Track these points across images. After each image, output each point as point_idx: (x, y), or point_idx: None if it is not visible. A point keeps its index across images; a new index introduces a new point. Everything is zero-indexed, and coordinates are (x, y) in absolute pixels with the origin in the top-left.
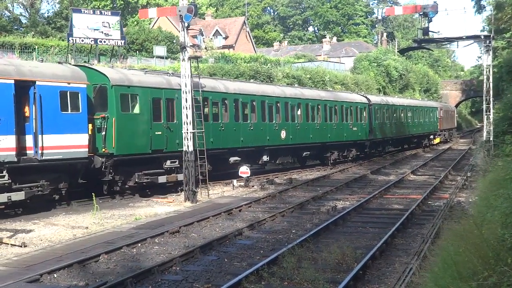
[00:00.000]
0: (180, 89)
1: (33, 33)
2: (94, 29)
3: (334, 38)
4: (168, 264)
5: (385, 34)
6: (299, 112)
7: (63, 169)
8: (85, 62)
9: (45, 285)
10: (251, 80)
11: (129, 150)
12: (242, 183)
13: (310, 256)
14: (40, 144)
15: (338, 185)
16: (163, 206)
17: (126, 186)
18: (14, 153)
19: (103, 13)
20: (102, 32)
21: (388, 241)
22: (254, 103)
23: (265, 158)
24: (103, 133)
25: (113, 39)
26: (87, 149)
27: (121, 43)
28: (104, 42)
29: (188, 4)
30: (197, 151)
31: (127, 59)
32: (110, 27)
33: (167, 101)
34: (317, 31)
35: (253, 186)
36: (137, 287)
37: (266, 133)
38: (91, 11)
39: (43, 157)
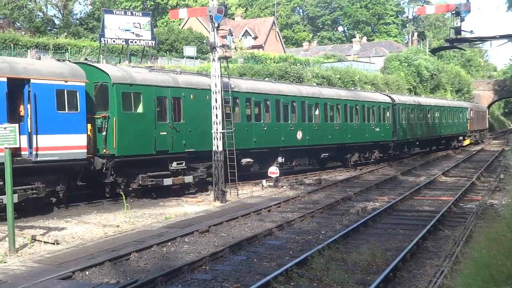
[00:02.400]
0: (187, 88)
1: (66, 34)
2: (125, 30)
3: (364, 38)
4: (198, 263)
5: (416, 34)
6: (317, 112)
7: (60, 171)
8: (116, 62)
9: (77, 282)
10: (266, 79)
11: (131, 151)
12: (271, 183)
13: (339, 257)
14: (34, 145)
15: (368, 186)
16: (193, 206)
17: (130, 188)
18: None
19: (134, 14)
20: (133, 32)
21: (419, 243)
22: (268, 102)
23: (280, 159)
24: (104, 133)
25: (143, 40)
26: (85, 150)
27: (152, 43)
28: (135, 42)
29: (218, 5)
30: (227, 151)
31: (158, 59)
32: (141, 28)
33: (173, 100)
34: (346, 31)
35: (282, 187)
36: (167, 285)
37: (280, 133)
38: (122, 12)
39: (38, 158)
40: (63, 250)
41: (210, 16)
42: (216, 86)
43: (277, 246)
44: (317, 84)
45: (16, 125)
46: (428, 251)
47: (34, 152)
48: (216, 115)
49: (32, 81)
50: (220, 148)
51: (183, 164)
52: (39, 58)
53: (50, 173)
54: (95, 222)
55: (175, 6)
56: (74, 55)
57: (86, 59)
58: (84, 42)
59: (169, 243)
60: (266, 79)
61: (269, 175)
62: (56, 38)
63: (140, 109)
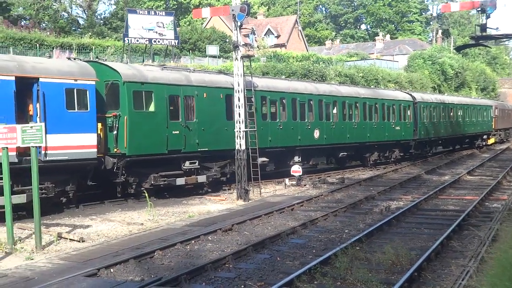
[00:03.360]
0: (200, 86)
1: (90, 33)
2: (149, 29)
3: (388, 36)
4: (221, 262)
5: (440, 31)
6: (334, 111)
7: (70, 171)
8: (140, 62)
9: (103, 279)
10: (283, 77)
11: (142, 150)
12: (294, 182)
13: (363, 257)
14: (43, 144)
15: (392, 185)
16: (216, 204)
17: (142, 188)
18: (14, 153)
19: (157, 14)
20: (156, 32)
21: (444, 242)
22: (283, 100)
23: (296, 159)
24: (115, 132)
25: (167, 39)
26: (95, 150)
27: (175, 42)
28: (158, 42)
29: (241, 4)
30: (250, 149)
31: (181, 58)
32: (164, 27)
33: (186, 98)
34: (369, 29)
35: (305, 185)
36: (191, 283)
37: (297, 132)
38: (146, 11)
39: (47, 158)
40: (88, 248)
41: (233, 15)
42: (239, 85)
43: (301, 245)
44: (339, 82)
45: (43, 124)
46: (453, 250)
47: (43, 152)
48: (239, 113)
49: (41, 79)
50: (243, 147)
51: (196, 164)
52: (49, 57)
53: (60, 173)
54: (120, 220)
55: (198, 5)
56: (98, 54)
57: (97, 57)
58: (108, 42)
59: (193, 241)
60: (283, 77)
61: (292, 173)
62: (81, 38)
63: (151, 108)
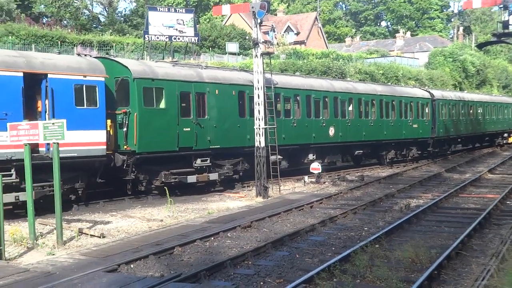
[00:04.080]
0: (212, 83)
1: (110, 31)
2: (169, 27)
3: (408, 33)
4: (241, 258)
5: (461, 28)
6: (350, 108)
7: (79, 168)
8: (160, 59)
9: (123, 275)
10: (297, 73)
11: (152, 147)
12: (313, 179)
13: (382, 254)
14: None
15: (412, 183)
16: (235, 201)
17: (152, 186)
18: (22, 150)
19: (177, 11)
20: (176, 29)
21: (464, 241)
22: (298, 97)
23: (311, 156)
24: (125, 129)
25: (187, 36)
26: (104, 146)
27: (195, 40)
28: (178, 39)
29: (260, 1)
30: (269, 146)
31: (200, 55)
32: (184, 24)
33: (197, 95)
34: (390, 26)
35: (324, 183)
36: (210, 280)
37: (311, 130)
38: (166, 9)
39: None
40: (108, 243)
41: (253, 12)
42: (258, 82)
43: (320, 242)
44: (359, 80)
45: (64, 120)
46: (473, 249)
47: (51, 149)
48: (259, 110)
49: (49, 76)
50: (263, 144)
51: (208, 161)
52: (59, 53)
53: (69, 170)
54: (140, 216)
55: (218, 3)
56: (119, 51)
57: (107, 53)
58: (128, 39)
59: (212, 238)
60: (297, 73)
61: (311, 171)
62: (101, 35)
63: (162, 105)
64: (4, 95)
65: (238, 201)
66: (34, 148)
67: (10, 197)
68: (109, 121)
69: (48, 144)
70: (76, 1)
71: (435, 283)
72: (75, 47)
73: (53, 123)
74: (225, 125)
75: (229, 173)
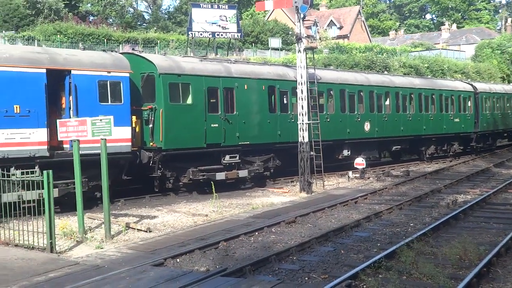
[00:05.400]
0: (241, 78)
1: (155, 28)
2: (212, 23)
3: (454, 25)
4: (285, 253)
5: (509, 19)
6: (387, 102)
7: None
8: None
9: (169, 268)
10: (331, 67)
11: (179, 144)
12: (358, 175)
13: (429, 251)
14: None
15: (459, 178)
16: (279, 196)
17: (180, 183)
18: (45, 147)
19: (220, 7)
20: (219, 25)
21: None
22: (331, 92)
23: (345, 152)
24: (151, 125)
25: (230, 32)
26: (130, 143)
27: (238, 35)
28: (221, 35)
29: None
30: (312, 142)
31: (243, 51)
32: (227, 21)
33: (225, 90)
34: (434, 18)
35: (368, 178)
36: (255, 274)
37: (346, 125)
38: (209, 5)
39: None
40: (155, 238)
41: (296, 7)
42: (301, 77)
43: (365, 238)
44: (404, 74)
45: (112, 117)
46: None
47: None
48: (302, 106)
49: (73, 72)
50: (306, 139)
51: (237, 158)
52: (84, 49)
53: (93, 167)
54: (185, 211)
55: None
56: (163, 48)
57: (133, 49)
58: (172, 36)
59: (256, 233)
60: (331, 67)
61: (355, 166)
62: (146, 32)
63: (189, 100)
64: (27, 92)
65: (282, 196)
66: (59, 145)
67: (33, 194)
68: (134, 118)
69: (71, 141)
70: (121, 0)
71: (484, 281)
72: (120, 45)
73: (100, 120)
74: (254, 121)
75: (259, 170)
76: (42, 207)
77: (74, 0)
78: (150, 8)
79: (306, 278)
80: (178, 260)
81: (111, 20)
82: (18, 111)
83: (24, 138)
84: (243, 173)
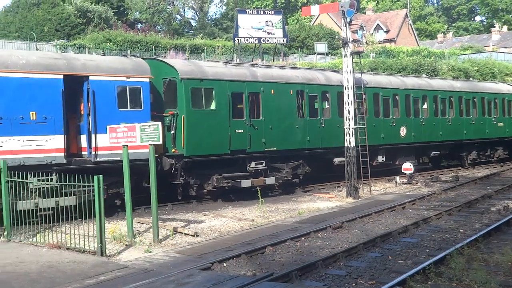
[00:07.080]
0: (267, 82)
1: (202, 35)
2: (258, 29)
3: (504, 27)
4: (332, 259)
5: None
6: (424, 106)
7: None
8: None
9: (216, 273)
10: (364, 71)
11: (202, 150)
12: (405, 180)
13: (480, 258)
14: (93, 145)
15: (510, 183)
16: (325, 201)
17: (204, 190)
18: (62, 154)
19: (266, 13)
20: (265, 31)
21: None
22: (364, 96)
23: (380, 158)
24: (172, 132)
25: (275, 38)
26: None
27: (283, 41)
28: (267, 40)
29: (350, 0)
30: (360, 147)
31: (289, 56)
32: (273, 26)
33: (251, 95)
34: (484, 20)
35: (416, 183)
36: (301, 279)
37: (380, 130)
38: (255, 11)
39: (98, 159)
40: (202, 242)
41: (342, 11)
42: (348, 82)
43: (413, 244)
44: (453, 77)
45: (159, 123)
46: None
47: (93, 152)
48: (348, 111)
49: (90, 77)
50: (353, 144)
51: (263, 164)
52: (104, 54)
53: (112, 174)
54: (231, 216)
55: (306, 3)
56: (209, 55)
57: (155, 53)
58: (218, 42)
59: (303, 238)
60: (365, 70)
61: (403, 171)
62: (193, 39)
63: (212, 106)
64: (43, 98)
65: (328, 201)
66: (77, 152)
67: (50, 202)
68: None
69: (90, 147)
70: (168, 7)
71: None
72: (168, 52)
73: (149, 125)
74: (281, 127)
75: (287, 177)
76: (93, 211)
77: (123, 7)
78: (197, 15)
79: (353, 284)
80: (225, 264)
81: (158, 27)
82: (34, 118)
83: (40, 145)
84: (270, 180)
